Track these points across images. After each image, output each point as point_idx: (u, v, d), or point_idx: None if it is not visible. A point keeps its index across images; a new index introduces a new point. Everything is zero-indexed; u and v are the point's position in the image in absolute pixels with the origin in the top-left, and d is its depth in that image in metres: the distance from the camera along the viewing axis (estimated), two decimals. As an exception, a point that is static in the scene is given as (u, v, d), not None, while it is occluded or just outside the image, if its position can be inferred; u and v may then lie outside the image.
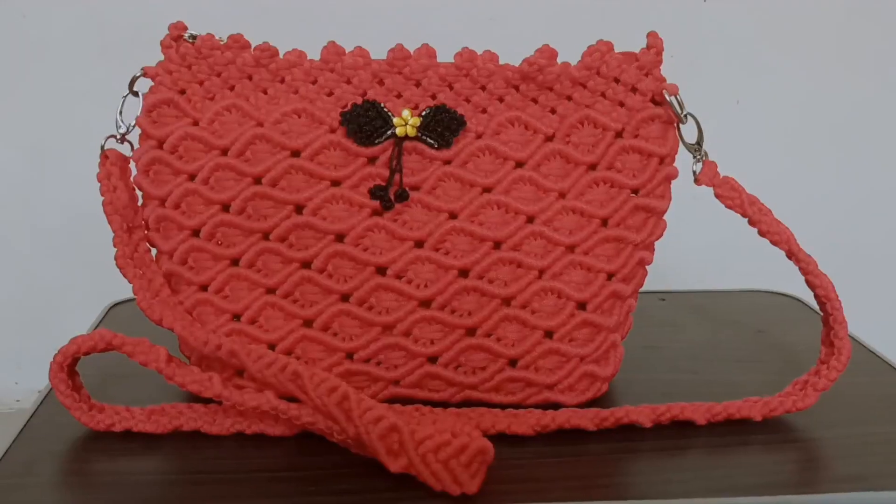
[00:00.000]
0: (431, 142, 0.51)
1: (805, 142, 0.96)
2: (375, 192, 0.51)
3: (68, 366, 0.48)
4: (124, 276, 0.51)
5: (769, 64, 0.93)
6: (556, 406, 0.53)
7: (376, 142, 0.51)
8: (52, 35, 0.86)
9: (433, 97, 0.52)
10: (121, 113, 0.53)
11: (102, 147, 0.53)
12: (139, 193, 0.53)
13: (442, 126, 0.51)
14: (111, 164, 0.53)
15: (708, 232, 0.82)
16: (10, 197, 0.91)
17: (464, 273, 0.51)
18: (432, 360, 0.52)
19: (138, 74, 0.53)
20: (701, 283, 0.82)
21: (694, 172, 0.52)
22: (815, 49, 0.94)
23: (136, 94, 0.53)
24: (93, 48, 0.86)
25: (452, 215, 0.51)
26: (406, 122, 0.51)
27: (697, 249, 0.90)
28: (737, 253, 0.95)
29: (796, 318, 0.72)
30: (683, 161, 0.52)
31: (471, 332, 0.52)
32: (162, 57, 0.52)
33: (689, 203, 0.57)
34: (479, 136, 0.51)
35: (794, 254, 0.52)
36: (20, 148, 0.89)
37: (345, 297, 0.52)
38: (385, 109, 0.51)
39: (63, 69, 0.87)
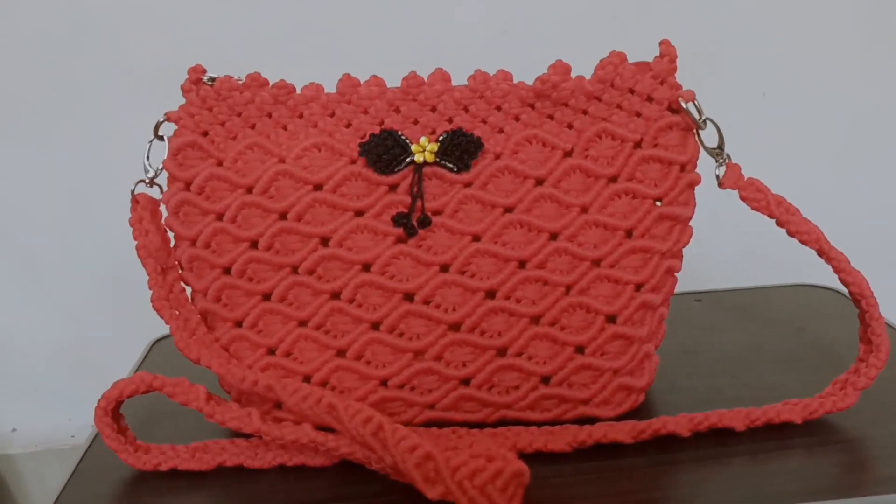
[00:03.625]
0: (450, 166, 0.51)
1: (833, 133, 0.94)
2: (398, 220, 0.51)
3: (112, 410, 0.50)
4: (161, 317, 0.52)
5: (795, 54, 0.92)
6: (592, 420, 0.53)
7: (396, 170, 0.51)
8: (83, 78, 0.88)
9: (450, 121, 0.52)
10: (148, 158, 0.55)
11: (133, 192, 0.55)
12: (171, 235, 0.54)
13: (460, 150, 0.51)
14: (142, 209, 0.54)
15: (741, 228, 0.81)
16: (55, 239, 0.93)
17: (491, 294, 0.51)
18: (465, 382, 0.53)
19: (161, 120, 0.54)
20: (737, 280, 0.81)
21: (717, 177, 0.52)
22: (842, 38, 0.92)
23: (161, 138, 0.54)
24: (121, 90, 0.88)
25: (476, 238, 0.51)
26: (424, 148, 0.51)
27: (731, 246, 0.89)
28: (771, 247, 0.94)
29: (836, 311, 0.71)
30: (708, 164, 0.52)
31: (501, 352, 0.52)
32: (183, 100, 0.54)
33: (720, 199, 0.56)
34: (497, 157, 0.52)
35: (824, 252, 0.51)
36: (61, 192, 0.92)
37: (375, 326, 0.52)
38: (402, 137, 0.51)
39: (95, 112, 0.89)
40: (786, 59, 0.91)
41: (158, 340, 0.72)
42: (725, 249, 0.87)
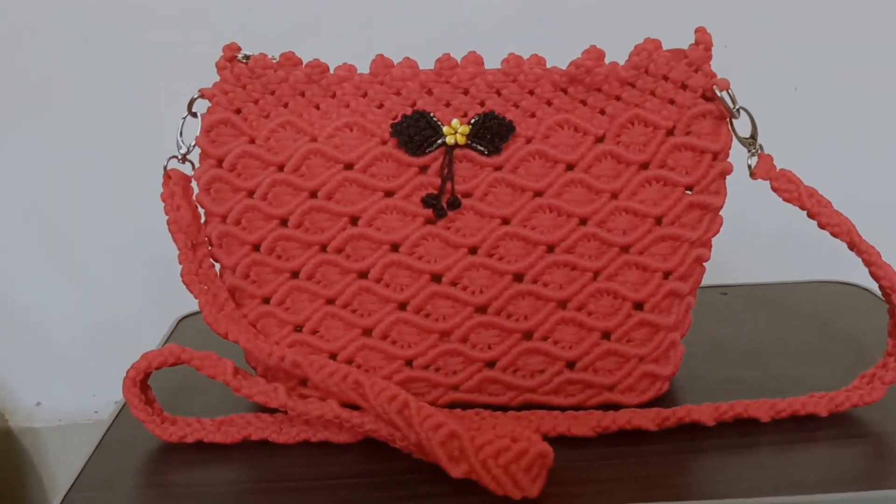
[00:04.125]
0: (482, 149, 0.51)
1: (866, 128, 0.93)
2: (428, 201, 0.51)
3: (140, 381, 0.50)
4: (190, 291, 0.53)
5: (827, 48, 0.90)
6: (616, 407, 0.53)
7: (427, 151, 0.51)
8: (113, 58, 0.89)
9: (482, 104, 0.52)
10: (181, 134, 0.55)
11: (165, 167, 0.55)
12: (202, 211, 0.55)
13: (491, 133, 0.51)
14: (174, 184, 0.54)
15: (767, 222, 0.81)
16: (83, 217, 0.94)
17: (518, 278, 0.52)
18: (490, 364, 0.53)
19: (196, 96, 0.54)
20: (762, 275, 0.80)
21: (749, 167, 0.51)
22: (873, 31, 0.91)
23: (194, 115, 0.55)
24: (152, 71, 0.89)
25: (505, 221, 0.51)
26: (455, 130, 0.51)
27: (757, 240, 0.88)
28: (798, 243, 0.93)
29: (862, 307, 0.70)
30: (740, 154, 0.52)
31: (527, 335, 0.52)
32: (217, 78, 0.54)
33: (747, 193, 0.56)
34: (528, 141, 0.52)
35: (855, 245, 0.51)
36: (89, 170, 0.92)
37: (402, 306, 0.52)
38: (434, 119, 0.51)
39: (125, 91, 0.90)
40: (819, 54, 0.90)
41: (184, 318, 0.73)
42: (751, 244, 0.86)
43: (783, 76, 0.89)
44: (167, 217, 0.54)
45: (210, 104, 0.54)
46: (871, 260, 0.51)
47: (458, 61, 0.52)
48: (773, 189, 0.51)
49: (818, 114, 0.90)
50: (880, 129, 0.94)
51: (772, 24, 0.88)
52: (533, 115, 0.52)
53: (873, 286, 0.72)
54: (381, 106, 0.53)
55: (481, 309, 0.52)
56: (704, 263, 0.54)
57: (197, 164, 0.55)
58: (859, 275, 0.74)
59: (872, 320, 0.66)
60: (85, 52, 0.89)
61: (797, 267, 0.89)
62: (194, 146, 0.54)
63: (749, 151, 0.52)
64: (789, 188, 0.51)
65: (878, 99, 0.93)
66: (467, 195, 0.52)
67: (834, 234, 0.51)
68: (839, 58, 0.91)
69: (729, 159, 0.52)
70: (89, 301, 0.97)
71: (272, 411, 0.53)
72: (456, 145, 0.51)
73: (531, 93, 0.52)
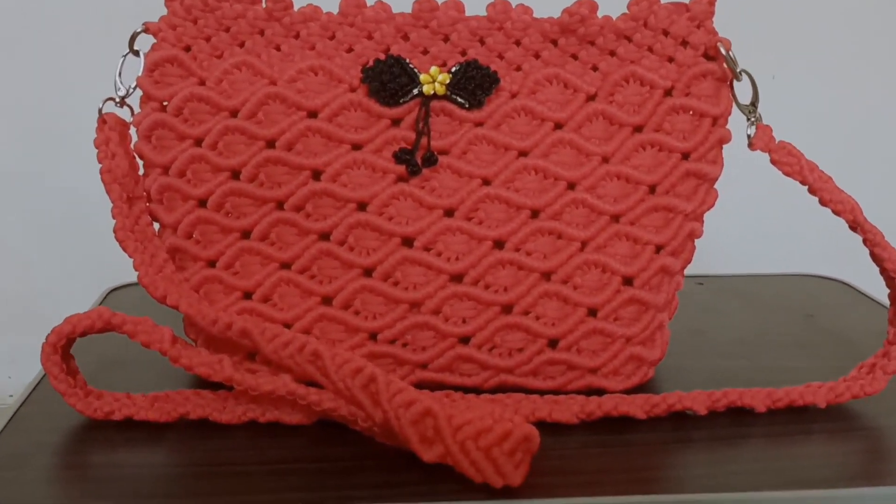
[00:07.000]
0: (462, 101, 0.47)
1: (843, 116, 0.92)
2: (401, 156, 0.46)
3: (62, 347, 0.44)
4: (124, 249, 0.47)
5: (805, 37, 0.90)
6: (598, 392, 0.48)
7: (401, 101, 0.47)
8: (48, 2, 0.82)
9: (463, 53, 0.48)
10: (120, 74, 0.50)
11: (100, 111, 0.49)
12: (140, 162, 0.49)
13: (473, 84, 0.47)
14: (110, 130, 0.49)
15: (739, 215, 0.78)
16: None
17: (499, 244, 0.47)
18: (464, 340, 0.48)
19: (139, 30, 0.49)
20: (737, 266, 0.78)
21: (748, 136, 0.48)
22: (851, 20, 0.90)
23: (136, 52, 0.49)
24: (92, 14, 0.82)
25: (486, 181, 0.47)
26: (434, 79, 0.46)
27: (728, 232, 0.86)
28: (772, 236, 0.91)
29: (846, 301, 0.68)
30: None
31: (507, 309, 0.47)
32: (165, 11, 0.49)
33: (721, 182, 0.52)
34: (513, 96, 0.48)
35: (859, 224, 0.47)
36: (8, 130, 0.85)
37: (367, 272, 0.47)
38: (411, 66, 0.47)
39: (57, 39, 0.83)
40: (797, 42, 0.89)
41: (115, 290, 0.66)
42: (725, 236, 0.84)
43: (761, 64, 0.87)
44: (100, 166, 0.48)
45: (155, 40, 0.48)
46: (875, 241, 0.48)
47: (439, 3, 0.47)
48: (773, 162, 0.48)
49: (796, 102, 0.88)
50: (858, 118, 0.93)
51: (750, 12, 0.86)
52: (519, 68, 0.48)
53: (855, 281, 0.70)
54: (350, 50, 0.48)
55: (456, 278, 0.47)
56: (696, 241, 0.50)
57: (137, 110, 0.49)
58: (837, 270, 0.72)
59: (857, 314, 0.65)
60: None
61: (770, 260, 0.87)
62: (135, 88, 0.49)
63: (748, 120, 0.48)
64: (790, 161, 0.47)
65: (855, 88, 0.92)
66: (444, 152, 0.47)
67: (836, 212, 0.48)
68: (817, 46, 0.90)
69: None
70: (4, 273, 0.89)
71: (214, 387, 0.47)
72: (434, 96, 0.47)
73: (518, 43, 0.48)
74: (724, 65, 0.47)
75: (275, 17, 0.48)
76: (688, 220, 0.48)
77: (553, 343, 0.48)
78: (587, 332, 0.48)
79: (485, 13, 0.48)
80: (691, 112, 0.47)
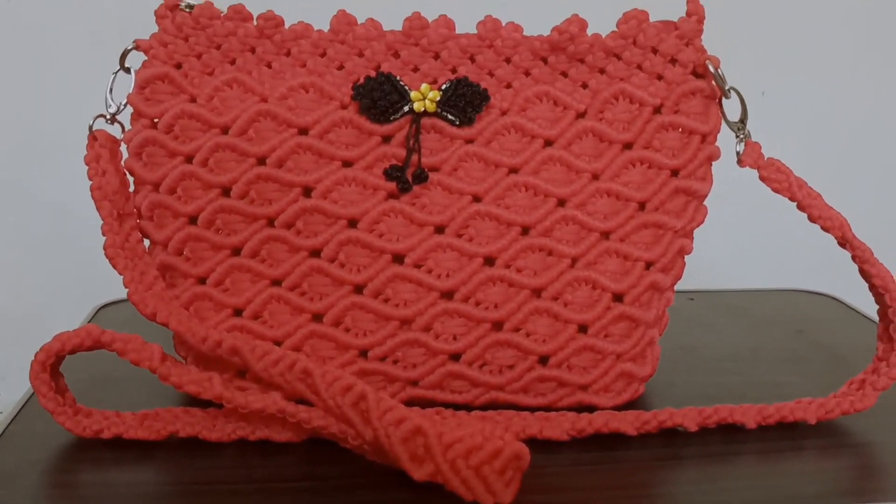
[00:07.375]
0: (452, 118, 0.47)
1: (833, 132, 0.93)
2: (391, 173, 0.46)
3: (51, 365, 0.44)
4: (114, 266, 0.47)
5: (795, 52, 0.90)
6: (589, 409, 0.48)
7: (392, 118, 0.47)
8: (36, 19, 0.82)
9: (453, 70, 0.48)
10: (111, 91, 0.49)
11: (91, 128, 0.49)
12: (131, 179, 0.49)
13: (464, 101, 0.47)
14: (100, 146, 0.49)
15: (729, 231, 0.78)
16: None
17: (489, 261, 0.47)
18: (455, 357, 0.48)
19: (130, 47, 0.49)
20: (727, 282, 0.78)
21: (737, 153, 0.48)
22: (841, 35, 0.91)
23: (127, 70, 0.49)
24: (82, 31, 0.82)
25: (476, 198, 0.47)
26: (424, 96, 0.46)
27: (718, 248, 0.86)
28: (762, 252, 0.92)
29: (835, 317, 0.69)
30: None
31: (497, 326, 0.47)
32: (156, 28, 0.48)
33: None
34: (504, 113, 0.48)
35: (848, 241, 0.48)
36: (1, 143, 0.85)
37: (358, 289, 0.47)
38: (401, 83, 0.47)
39: (47, 55, 0.82)
40: (786, 58, 0.90)
41: (103, 307, 0.66)
42: (715, 252, 0.84)
43: (750, 81, 0.88)
44: (91, 183, 0.48)
45: (146, 57, 0.48)
46: (864, 257, 0.48)
47: (429, 21, 0.48)
48: (762, 178, 0.48)
49: (785, 118, 0.88)
50: (847, 133, 0.93)
51: (739, 30, 0.86)
52: (509, 86, 0.48)
53: (844, 296, 0.70)
54: (341, 67, 0.48)
55: (447, 295, 0.47)
56: (686, 257, 0.50)
57: (128, 126, 0.49)
58: (825, 285, 0.72)
59: (846, 329, 0.65)
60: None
61: (760, 276, 0.87)
62: (125, 105, 0.49)
63: (737, 137, 0.48)
64: (779, 177, 0.48)
65: (844, 104, 0.92)
66: (435, 169, 0.47)
67: (825, 229, 0.48)
68: (806, 63, 0.90)
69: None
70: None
71: (204, 405, 0.46)
72: (424, 113, 0.47)
73: (508, 61, 0.48)
74: (713, 82, 0.47)
75: (266, 35, 0.48)
76: (678, 237, 0.48)
77: (544, 360, 0.48)
78: (578, 349, 0.47)
79: (475, 31, 0.48)
80: (680, 129, 0.47)
